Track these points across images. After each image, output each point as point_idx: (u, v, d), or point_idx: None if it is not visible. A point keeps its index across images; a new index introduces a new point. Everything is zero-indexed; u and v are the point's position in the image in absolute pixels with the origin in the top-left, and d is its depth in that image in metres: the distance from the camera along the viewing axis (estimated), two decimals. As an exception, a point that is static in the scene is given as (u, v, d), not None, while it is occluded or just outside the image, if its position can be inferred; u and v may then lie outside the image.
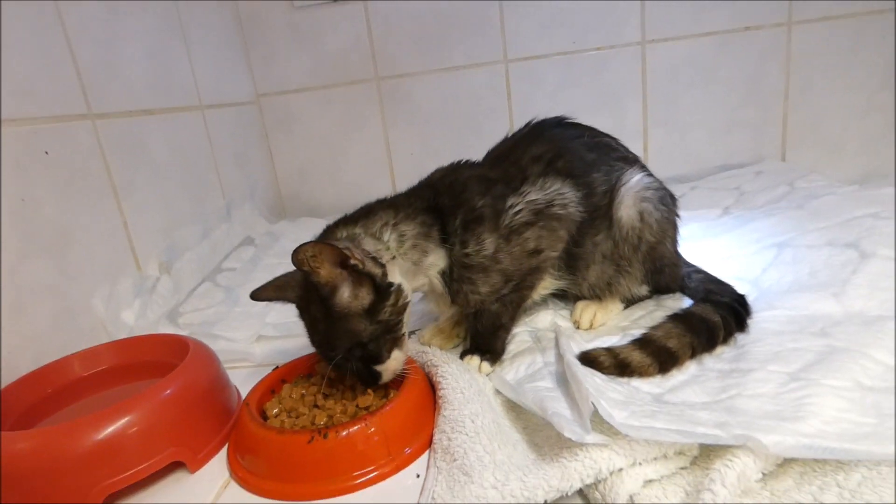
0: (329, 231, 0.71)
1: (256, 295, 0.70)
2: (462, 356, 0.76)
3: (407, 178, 1.60)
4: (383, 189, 1.65)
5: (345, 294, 0.64)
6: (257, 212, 1.50)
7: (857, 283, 0.79)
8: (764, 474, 0.50)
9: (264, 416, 0.67)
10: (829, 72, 1.40)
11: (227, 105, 1.45)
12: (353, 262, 0.63)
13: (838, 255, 0.86)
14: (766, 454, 0.49)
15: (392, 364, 0.66)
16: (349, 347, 0.64)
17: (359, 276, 0.64)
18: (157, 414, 0.61)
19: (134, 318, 0.97)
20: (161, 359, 0.75)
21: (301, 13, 1.51)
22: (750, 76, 1.43)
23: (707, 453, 0.52)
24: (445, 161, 0.86)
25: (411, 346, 0.81)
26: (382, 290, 0.65)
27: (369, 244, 0.68)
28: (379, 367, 0.66)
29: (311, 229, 1.50)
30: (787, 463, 0.51)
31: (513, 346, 0.79)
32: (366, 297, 0.64)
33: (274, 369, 0.75)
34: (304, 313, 0.68)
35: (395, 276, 0.68)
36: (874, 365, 0.63)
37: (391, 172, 1.63)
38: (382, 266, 0.66)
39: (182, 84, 1.26)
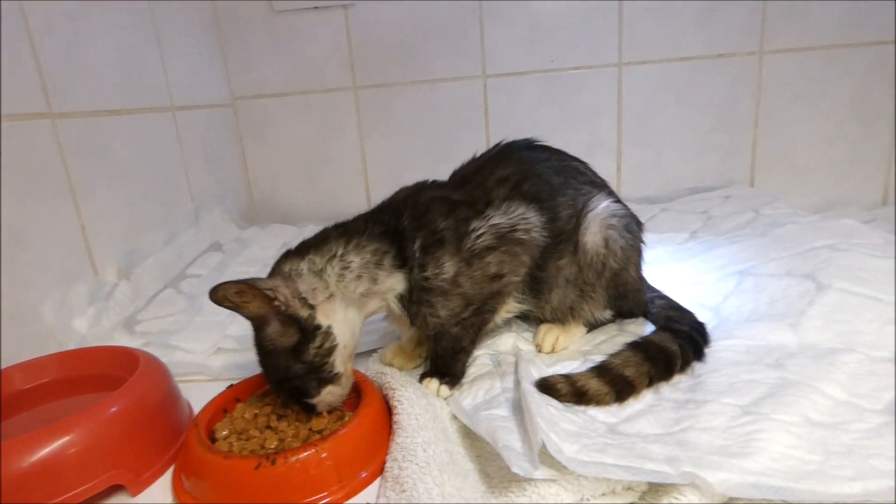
0: (279, 263, 0.71)
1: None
2: (421, 379, 0.75)
3: (382, 187, 1.60)
4: (358, 197, 1.66)
5: (274, 329, 0.64)
6: (227, 217, 1.47)
7: (813, 315, 0.80)
8: (710, 512, 0.50)
9: (214, 438, 0.65)
10: (798, 100, 1.43)
11: (201, 107, 1.42)
12: (276, 303, 0.63)
13: (796, 286, 0.87)
14: (712, 493, 0.49)
15: (327, 398, 0.66)
16: (278, 380, 0.65)
17: (288, 315, 0.64)
18: (100, 434, 0.59)
19: (87, 326, 0.94)
20: (109, 372, 0.73)
21: (281, 17, 1.49)
22: (722, 102, 1.45)
23: (656, 489, 0.52)
24: (421, 172, 0.85)
25: (371, 367, 0.80)
26: (308, 331, 0.65)
27: (305, 282, 0.67)
28: (311, 401, 0.66)
29: (280, 236, 1.48)
30: (732, 500, 0.51)
31: (473, 370, 0.78)
32: (293, 335, 0.64)
33: (228, 387, 0.73)
34: None
35: (331, 315, 0.67)
36: (824, 399, 0.64)
37: (366, 181, 1.62)
38: (312, 308, 0.65)
39: (153, 84, 1.23)
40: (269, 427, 0.66)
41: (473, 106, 1.51)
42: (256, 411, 0.69)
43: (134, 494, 0.61)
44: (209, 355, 0.92)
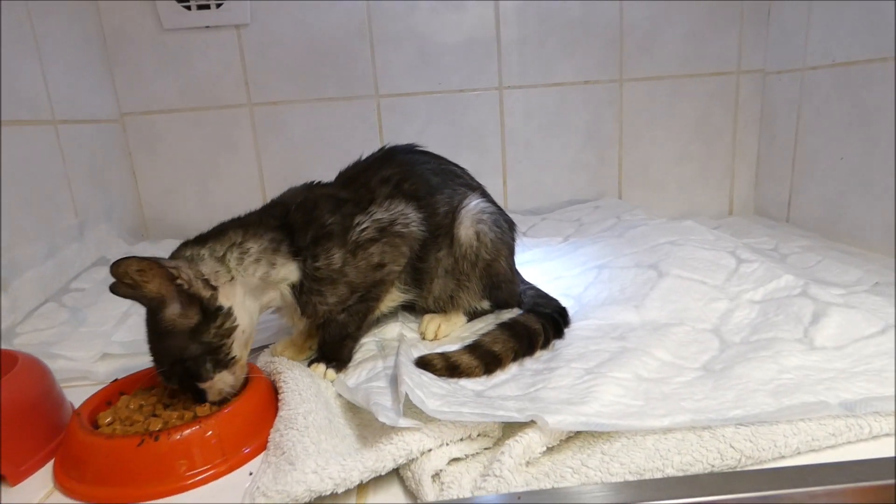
0: (179, 249, 0.73)
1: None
2: (309, 364, 0.80)
3: (280, 203, 1.62)
4: (256, 213, 1.67)
5: (174, 310, 0.66)
6: (115, 233, 1.43)
7: (653, 297, 0.94)
8: (550, 448, 0.59)
9: (97, 426, 0.66)
10: (653, 123, 1.64)
11: (87, 122, 1.40)
12: (178, 281, 0.65)
13: (642, 275, 1.01)
14: (548, 430, 0.58)
15: (218, 384, 0.68)
16: (171, 363, 0.67)
17: (189, 295, 0.66)
18: (-27, 425, 0.59)
19: (-43, 338, 0.90)
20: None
21: (171, 35, 1.50)
22: (591, 124, 1.63)
23: (507, 435, 0.61)
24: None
25: (262, 359, 0.84)
26: (210, 312, 0.67)
27: (208, 266, 0.70)
28: (202, 385, 0.68)
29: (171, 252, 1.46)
30: (569, 439, 0.61)
31: (359, 355, 0.84)
32: (193, 316, 0.67)
33: (113, 381, 0.74)
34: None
35: (232, 298, 0.70)
36: (653, 361, 0.77)
37: (264, 196, 1.64)
38: (214, 289, 0.68)
39: (31, 97, 1.20)
40: (154, 415, 0.68)
41: (368, 124, 1.59)
42: (142, 402, 0.70)
43: (13, 484, 0.61)
44: (94, 361, 0.91)
